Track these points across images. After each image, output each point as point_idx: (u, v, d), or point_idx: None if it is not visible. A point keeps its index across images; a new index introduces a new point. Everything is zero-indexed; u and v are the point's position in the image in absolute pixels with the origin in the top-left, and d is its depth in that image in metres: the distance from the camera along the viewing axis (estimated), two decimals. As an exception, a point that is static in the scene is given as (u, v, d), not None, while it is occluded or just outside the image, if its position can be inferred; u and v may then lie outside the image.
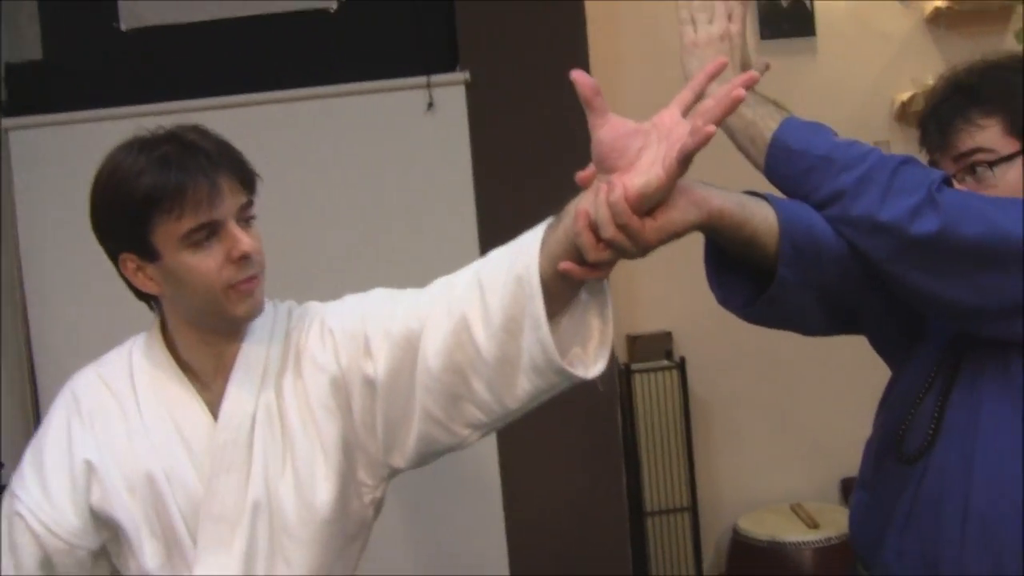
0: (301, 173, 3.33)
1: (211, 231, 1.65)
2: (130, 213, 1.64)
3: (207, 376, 1.77)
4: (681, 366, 3.85)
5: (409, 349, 1.70)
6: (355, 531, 1.86)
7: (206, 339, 1.76)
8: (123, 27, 3.38)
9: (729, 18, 1.80)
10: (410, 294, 1.81)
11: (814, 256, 1.59)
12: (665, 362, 3.88)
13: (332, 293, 3.23)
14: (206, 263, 1.65)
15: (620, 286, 3.60)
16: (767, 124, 1.74)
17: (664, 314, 4.02)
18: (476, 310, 1.64)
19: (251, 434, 1.75)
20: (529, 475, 3.34)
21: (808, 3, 4.02)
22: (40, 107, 3.32)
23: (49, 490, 1.73)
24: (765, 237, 1.57)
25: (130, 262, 1.69)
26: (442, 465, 3.24)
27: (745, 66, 1.83)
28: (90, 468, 1.73)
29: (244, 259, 1.67)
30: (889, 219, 1.54)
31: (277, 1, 3.37)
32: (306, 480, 1.76)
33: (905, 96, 3.92)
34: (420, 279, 3.22)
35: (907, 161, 1.61)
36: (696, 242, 4.06)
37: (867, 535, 1.79)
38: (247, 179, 1.72)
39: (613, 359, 3.47)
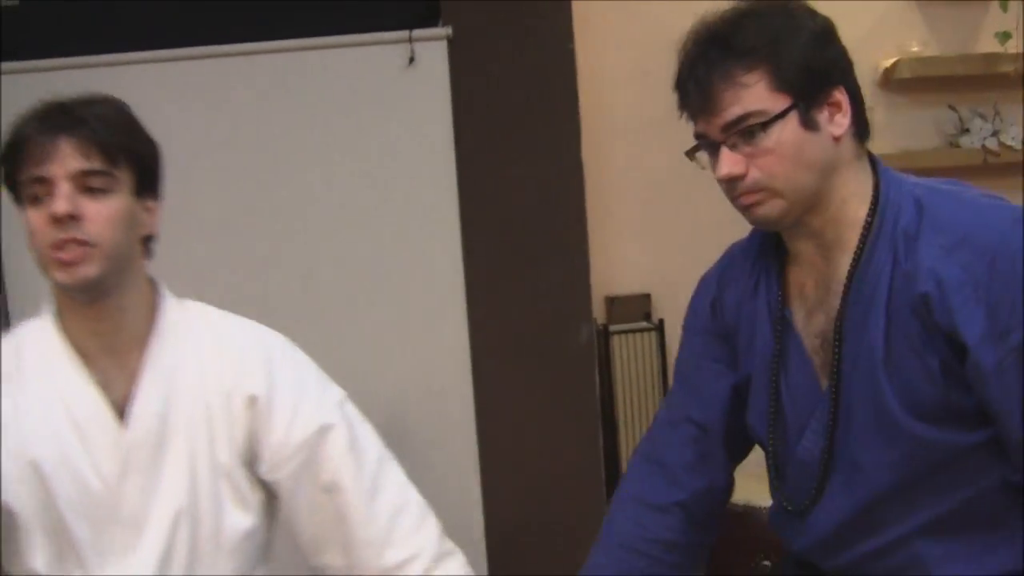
0: (276, 126, 3.28)
1: (45, 189, 1.64)
2: (2, 163, 1.68)
3: (95, 356, 1.73)
4: (660, 328, 3.83)
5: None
6: (270, 537, 1.87)
7: (76, 308, 1.72)
8: (102, -28, 3.31)
9: None
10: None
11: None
12: (644, 324, 3.86)
13: (306, 248, 3.23)
14: (35, 219, 1.65)
15: (598, 247, 3.58)
16: None
17: (643, 276, 3.99)
18: None
19: (161, 436, 1.72)
20: (506, 435, 3.33)
21: (793, -34, 3.98)
22: (29, 52, 3.25)
23: None
24: None
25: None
26: (416, 426, 3.27)
27: None
28: None
29: (58, 221, 1.63)
30: None
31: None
32: (229, 487, 1.76)
33: (889, 62, 3.88)
34: (396, 238, 3.23)
35: None
36: (674, 205, 4.06)
37: None
38: (104, 148, 1.67)
39: (590, 320, 3.48)
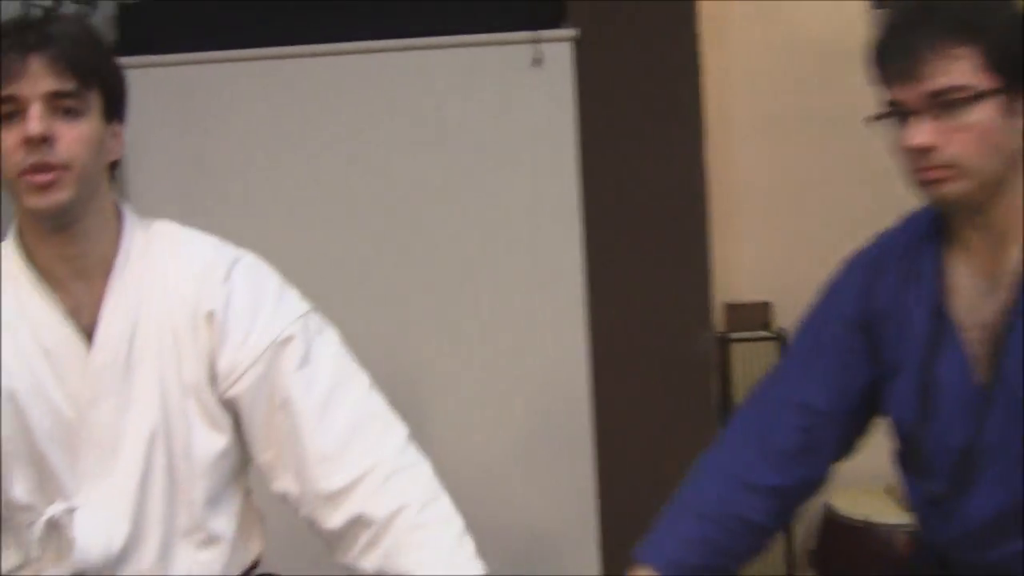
0: (400, 125, 3.29)
1: (16, 108, 1.62)
2: None
3: (65, 282, 1.72)
4: (780, 338, 3.77)
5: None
6: (245, 462, 1.85)
7: (44, 234, 1.71)
8: (232, -30, 3.35)
9: None
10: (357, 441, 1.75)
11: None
12: (763, 333, 3.79)
13: (427, 250, 3.23)
14: (7, 139, 1.63)
15: (719, 254, 3.52)
16: None
17: (763, 284, 3.93)
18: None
19: (129, 357, 1.71)
20: (623, 443, 3.30)
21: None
22: (150, 48, 3.30)
23: None
24: None
25: None
26: (532, 433, 3.25)
27: None
28: None
29: (30, 142, 1.61)
30: None
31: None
32: (199, 407, 1.76)
33: None
34: (517, 241, 3.22)
35: None
36: (798, 212, 3.99)
37: None
38: (76, 69, 1.66)
39: (710, 328, 3.43)
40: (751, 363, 3.74)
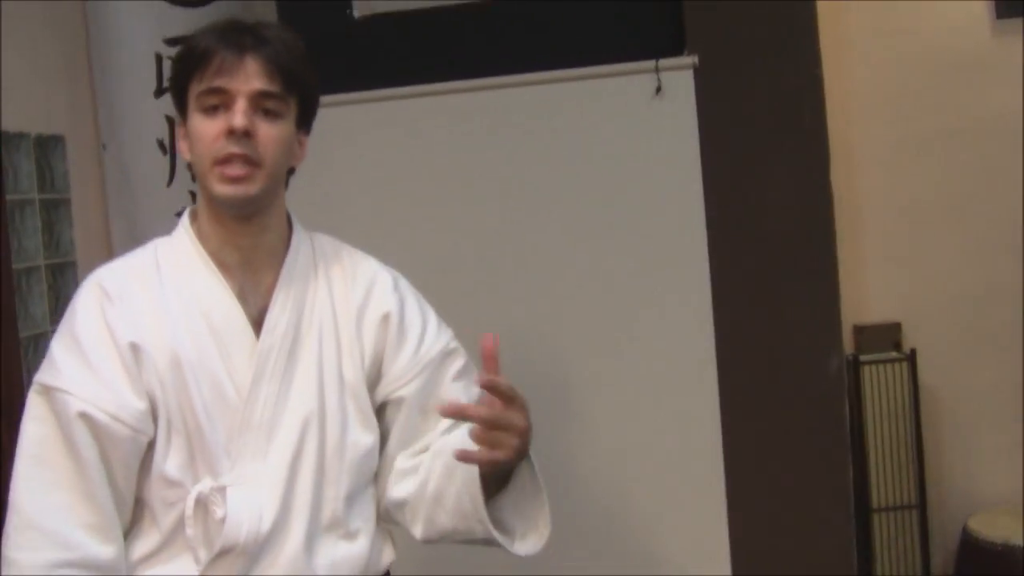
0: (526, 156, 3.35)
1: (222, 101, 1.71)
2: (175, 70, 1.75)
3: (233, 269, 1.80)
4: (911, 358, 3.72)
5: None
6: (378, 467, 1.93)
7: (222, 221, 1.79)
8: (356, 14, 3.45)
9: None
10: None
11: None
12: (894, 354, 3.75)
13: (554, 278, 3.27)
14: (207, 128, 1.72)
15: (847, 275, 3.50)
16: None
17: (893, 304, 3.89)
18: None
19: (293, 345, 1.79)
20: (754, 467, 3.29)
21: (1048, -22, 3.82)
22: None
23: (103, 377, 1.70)
24: None
25: (180, 126, 1.78)
26: (662, 457, 3.26)
27: None
28: (136, 350, 1.72)
29: (232, 134, 1.70)
30: None
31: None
32: (355, 405, 1.84)
33: None
34: (643, 267, 3.24)
35: None
36: (926, 232, 3.95)
37: None
38: (284, 73, 1.74)
39: (840, 350, 3.41)
40: (882, 384, 3.71)
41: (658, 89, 3.28)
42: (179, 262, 1.81)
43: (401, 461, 1.90)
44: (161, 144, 3.41)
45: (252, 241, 1.81)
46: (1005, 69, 3.84)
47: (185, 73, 1.74)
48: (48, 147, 3.30)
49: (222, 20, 1.78)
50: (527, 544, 1.80)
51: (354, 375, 1.85)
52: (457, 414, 1.67)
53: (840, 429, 3.39)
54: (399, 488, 1.89)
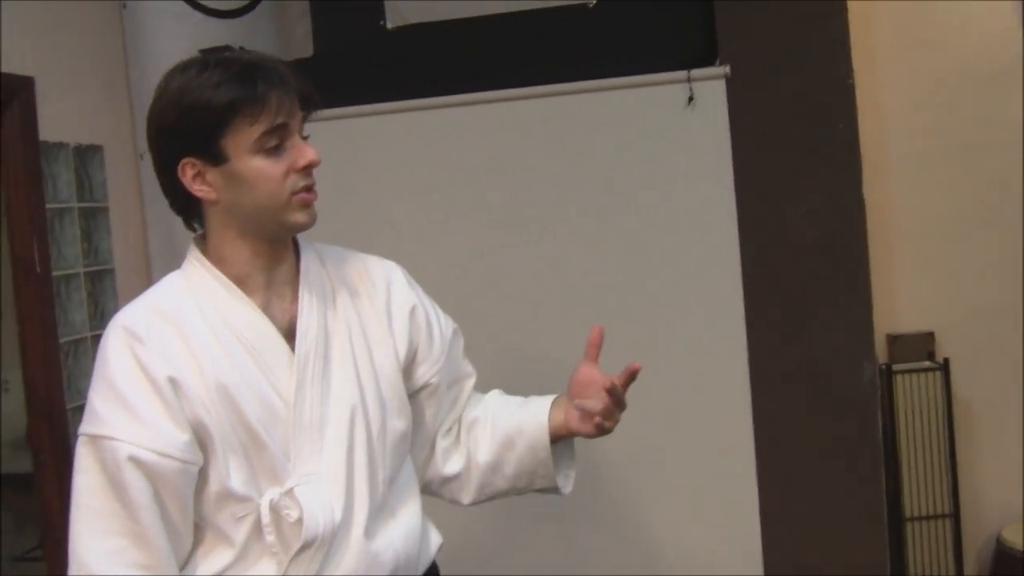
0: (561, 165, 3.38)
1: (280, 139, 1.77)
2: (208, 118, 1.74)
3: (257, 289, 1.84)
4: (945, 367, 3.72)
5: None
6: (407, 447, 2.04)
7: (257, 249, 1.83)
8: (389, 25, 3.48)
9: None
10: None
11: None
12: (927, 363, 3.75)
13: (586, 284, 3.29)
14: (274, 169, 1.76)
15: (880, 284, 3.51)
16: None
17: (927, 314, 3.89)
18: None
19: (326, 347, 1.86)
20: (787, 476, 3.30)
21: (1080, -9, 3.82)
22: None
23: (143, 417, 1.72)
24: None
25: (190, 167, 1.77)
26: (695, 462, 3.27)
27: None
28: (174, 384, 1.74)
29: (308, 167, 1.79)
30: None
31: (537, -3, 3.42)
32: (391, 393, 1.93)
33: None
34: (677, 276, 3.25)
35: None
36: (958, 241, 3.93)
37: None
38: (310, 101, 1.83)
39: (872, 359, 3.41)
40: (915, 393, 3.70)
41: (690, 99, 3.30)
42: (201, 290, 1.84)
43: (440, 440, 2.08)
44: (197, 154, 3.45)
45: (277, 261, 1.86)
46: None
47: (225, 120, 1.75)
48: (87, 157, 3.35)
49: (220, 65, 1.78)
50: (568, 484, 2.07)
51: (388, 366, 1.94)
52: (627, 382, 1.96)
53: (873, 437, 3.39)
54: (449, 465, 2.08)
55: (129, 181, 3.57)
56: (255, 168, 1.77)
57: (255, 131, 1.75)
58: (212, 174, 1.78)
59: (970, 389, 3.86)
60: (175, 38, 3.49)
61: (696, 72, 3.31)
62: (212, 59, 1.78)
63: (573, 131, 3.35)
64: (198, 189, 1.79)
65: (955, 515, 3.73)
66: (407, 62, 3.49)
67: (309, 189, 1.80)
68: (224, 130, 1.75)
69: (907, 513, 3.71)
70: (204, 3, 3.51)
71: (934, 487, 3.71)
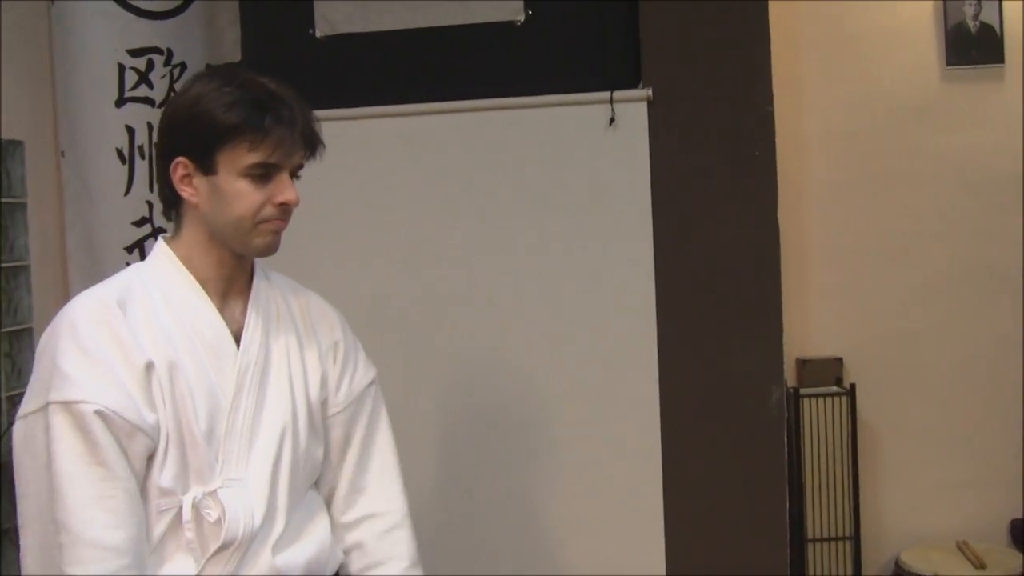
0: (480, 182, 3.39)
1: (268, 173, 1.86)
2: (211, 131, 1.84)
3: (215, 295, 1.94)
4: (851, 392, 3.80)
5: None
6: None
7: (223, 259, 1.94)
8: (318, 34, 3.49)
9: None
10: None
11: None
12: (835, 388, 3.83)
13: (503, 300, 3.31)
14: (252, 197, 1.86)
15: (792, 310, 3.56)
16: None
17: (835, 340, 3.97)
18: None
19: (266, 361, 1.96)
20: (693, 494, 3.34)
21: (997, 29, 3.94)
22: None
23: (122, 385, 1.78)
24: None
25: (182, 167, 1.87)
26: (603, 484, 3.30)
27: None
28: (149, 368, 1.81)
29: (284, 205, 1.89)
30: None
31: (468, 8, 3.43)
32: (315, 422, 2.04)
33: (1098, 128, 3.80)
34: (591, 295, 3.29)
35: None
36: (870, 269, 4.03)
37: None
38: (314, 147, 1.94)
39: (781, 382, 3.46)
40: (822, 417, 3.77)
41: (612, 120, 3.34)
42: (168, 283, 1.92)
43: (342, 509, 2.14)
44: (120, 153, 3.45)
45: (238, 271, 1.98)
46: (953, 114, 3.94)
47: (224, 137, 1.84)
48: (7, 151, 3.32)
49: (241, 86, 1.85)
50: None
51: (316, 395, 2.04)
52: None
53: (779, 459, 3.44)
54: (350, 537, 2.14)
55: (49, 178, 3.55)
56: (237, 188, 1.86)
57: (248, 158, 1.84)
58: (199, 180, 1.88)
59: (875, 414, 3.95)
60: (103, 37, 3.48)
61: (619, 94, 3.35)
62: (237, 77, 1.87)
63: (494, 147, 3.37)
64: (183, 189, 1.89)
65: (856, 537, 3.81)
66: (334, 71, 3.50)
67: (277, 223, 1.90)
68: (222, 146, 1.84)
69: (809, 534, 3.78)
70: (134, 3, 3.50)
71: (836, 509, 3.79)
